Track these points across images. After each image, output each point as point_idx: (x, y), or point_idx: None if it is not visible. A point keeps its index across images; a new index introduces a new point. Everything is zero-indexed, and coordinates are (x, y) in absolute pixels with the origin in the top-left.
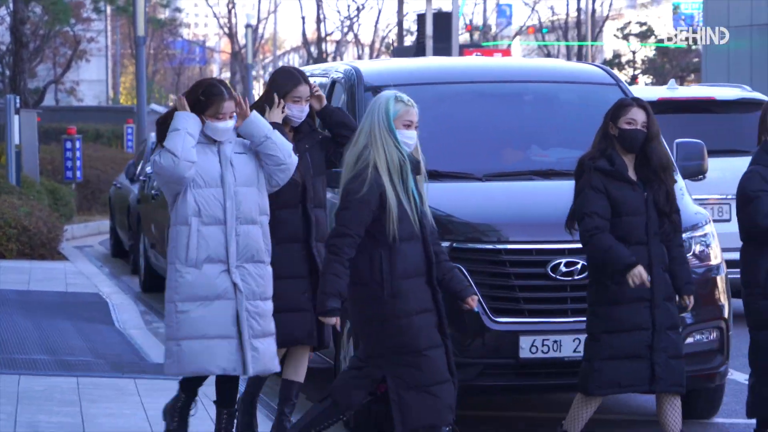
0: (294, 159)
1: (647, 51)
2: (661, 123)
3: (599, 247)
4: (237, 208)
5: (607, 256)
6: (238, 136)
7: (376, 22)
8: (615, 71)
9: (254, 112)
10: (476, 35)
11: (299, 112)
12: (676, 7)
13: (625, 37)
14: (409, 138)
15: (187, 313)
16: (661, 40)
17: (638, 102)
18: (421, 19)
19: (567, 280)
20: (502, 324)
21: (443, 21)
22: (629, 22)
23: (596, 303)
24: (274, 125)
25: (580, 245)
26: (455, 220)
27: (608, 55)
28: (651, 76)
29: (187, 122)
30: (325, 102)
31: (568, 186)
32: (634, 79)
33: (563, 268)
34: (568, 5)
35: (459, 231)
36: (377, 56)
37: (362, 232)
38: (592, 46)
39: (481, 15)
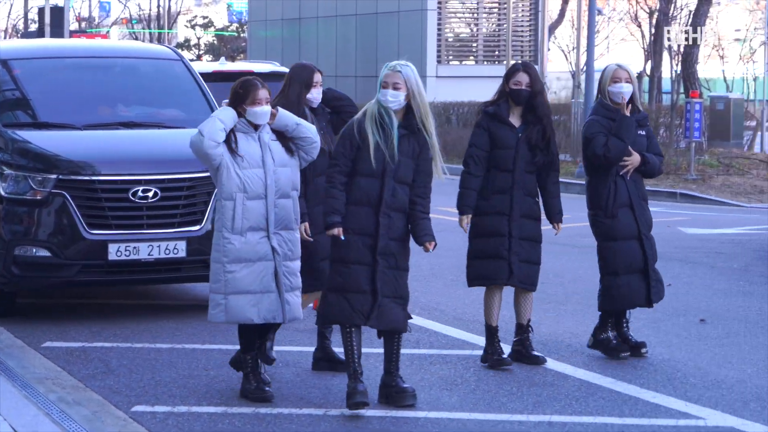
0: (318, 137)
1: (209, 37)
2: (213, 89)
3: (461, 182)
4: (276, 185)
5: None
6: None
7: (9, 13)
8: (184, 52)
9: (280, 108)
10: (83, 24)
11: (317, 94)
12: (229, 6)
13: (193, 27)
14: (384, 95)
15: (234, 273)
16: (219, 29)
17: (524, 67)
18: (41, 11)
19: (143, 202)
20: (95, 234)
21: (58, 13)
22: (196, 16)
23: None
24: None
25: (154, 177)
26: (61, 158)
27: (181, 40)
28: (211, 56)
29: (222, 112)
30: None
31: (145, 134)
32: (199, 57)
33: (140, 194)
34: (150, 2)
35: (63, 166)
36: (9, 38)
37: (348, 163)
38: (168, 33)
39: (87, 9)
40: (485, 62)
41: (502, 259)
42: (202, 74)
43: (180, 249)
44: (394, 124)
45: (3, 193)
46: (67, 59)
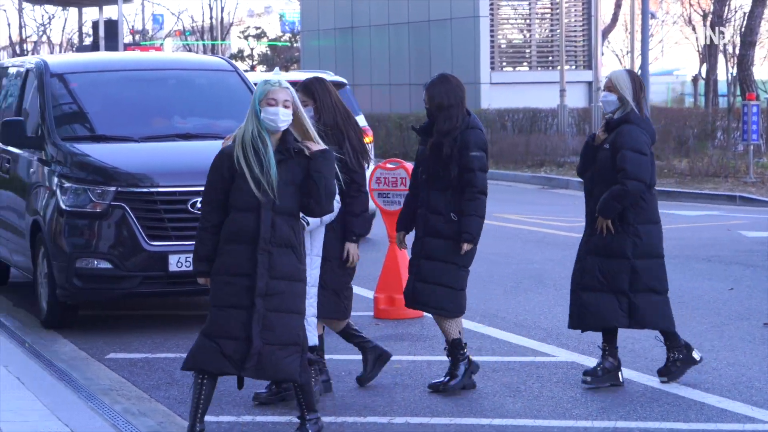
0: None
1: (262, 48)
2: None
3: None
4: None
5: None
6: None
7: (63, 28)
8: (238, 63)
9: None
10: (137, 37)
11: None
12: (281, 16)
13: (246, 38)
14: (273, 114)
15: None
16: (272, 40)
17: (427, 85)
18: (95, 25)
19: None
20: (155, 246)
21: (112, 26)
22: (248, 27)
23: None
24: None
25: None
26: (120, 171)
27: (234, 51)
28: (265, 66)
29: None
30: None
31: (202, 145)
32: (252, 68)
33: (199, 205)
34: (203, 15)
35: (122, 179)
36: (64, 52)
37: (220, 196)
38: (222, 44)
39: (141, 22)
40: (539, 68)
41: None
42: (256, 84)
43: None
44: (270, 150)
45: (63, 206)
46: (123, 72)
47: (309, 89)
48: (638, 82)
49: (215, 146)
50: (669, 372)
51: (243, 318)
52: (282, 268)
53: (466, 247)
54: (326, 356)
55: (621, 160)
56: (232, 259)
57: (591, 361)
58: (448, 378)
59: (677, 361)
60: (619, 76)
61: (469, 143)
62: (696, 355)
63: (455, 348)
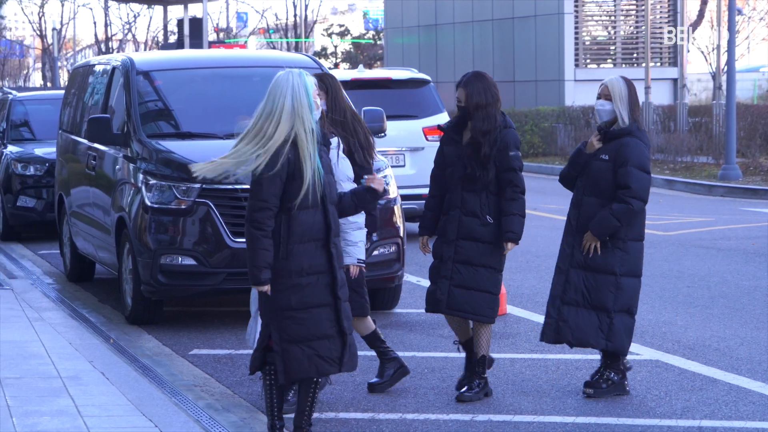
0: None
1: (345, 45)
2: (352, 96)
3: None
4: None
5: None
6: None
7: (148, 26)
8: (321, 60)
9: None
10: (221, 34)
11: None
12: (365, 14)
13: (329, 36)
14: (320, 105)
15: None
16: (356, 37)
17: (461, 83)
18: (180, 23)
19: None
20: (240, 243)
21: (196, 24)
22: (332, 25)
23: None
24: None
25: None
26: None
27: (318, 49)
28: (348, 63)
29: None
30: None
31: None
32: (336, 66)
33: None
34: (287, 12)
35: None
36: (149, 50)
37: (278, 203)
38: (305, 42)
39: (225, 19)
40: (624, 65)
41: (434, 284)
42: (341, 82)
43: None
44: (315, 144)
45: (148, 203)
46: (208, 69)
47: (323, 82)
48: (633, 90)
49: None
50: (598, 386)
51: (330, 314)
52: (341, 259)
53: (510, 246)
54: (408, 353)
55: (626, 177)
56: (306, 258)
57: (675, 360)
58: (466, 388)
59: (609, 380)
60: (615, 83)
61: (508, 143)
62: (627, 387)
63: (479, 365)
